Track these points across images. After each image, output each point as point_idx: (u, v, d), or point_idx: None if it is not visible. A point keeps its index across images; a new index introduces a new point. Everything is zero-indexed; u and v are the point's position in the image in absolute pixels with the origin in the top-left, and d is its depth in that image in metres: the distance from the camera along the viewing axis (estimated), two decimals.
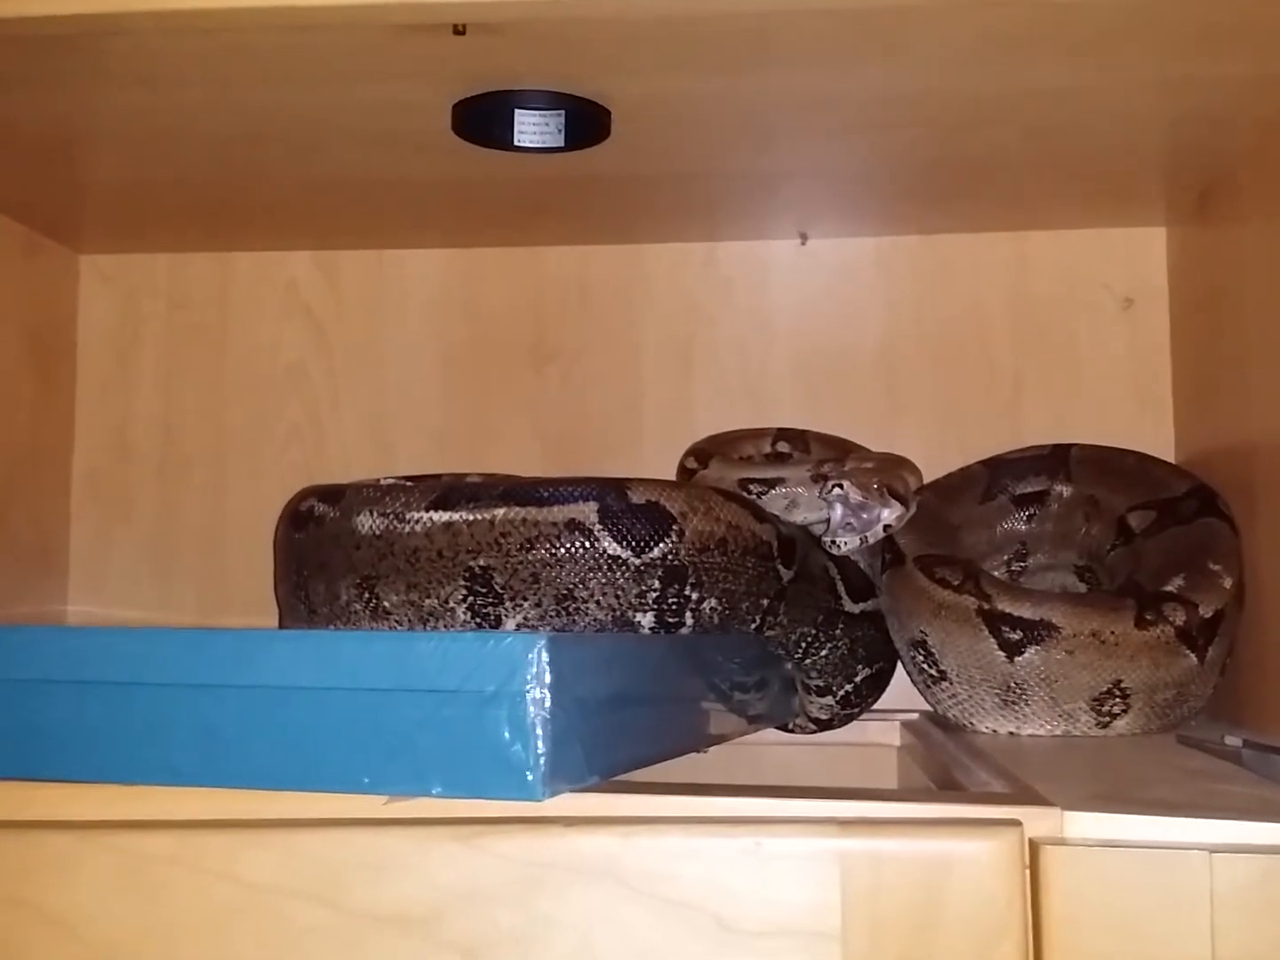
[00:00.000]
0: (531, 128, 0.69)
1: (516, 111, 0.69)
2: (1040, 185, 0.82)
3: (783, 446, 0.85)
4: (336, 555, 0.68)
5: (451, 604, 0.65)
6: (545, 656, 0.43)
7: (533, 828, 0.42)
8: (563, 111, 0.69)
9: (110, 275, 0.95)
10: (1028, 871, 0.41)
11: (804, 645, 0.72)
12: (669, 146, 0.73)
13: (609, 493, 0.65)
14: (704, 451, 0.82)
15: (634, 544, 0.65)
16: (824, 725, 0.78)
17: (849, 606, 0.76)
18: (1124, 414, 0.88)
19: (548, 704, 0.42)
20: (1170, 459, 0.85)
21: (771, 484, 0.76)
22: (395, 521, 0.66)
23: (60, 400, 0.93)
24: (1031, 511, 0.82)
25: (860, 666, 0.75)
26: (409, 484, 0.70)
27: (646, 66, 0.62)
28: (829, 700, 0.75)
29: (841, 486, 0.69)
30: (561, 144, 0.69)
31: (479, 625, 0.65)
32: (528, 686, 0.42)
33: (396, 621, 0.66)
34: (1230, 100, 0.66)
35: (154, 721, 0.45)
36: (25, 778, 0.46)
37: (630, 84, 0.65)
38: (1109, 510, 0.79)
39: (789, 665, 0.74)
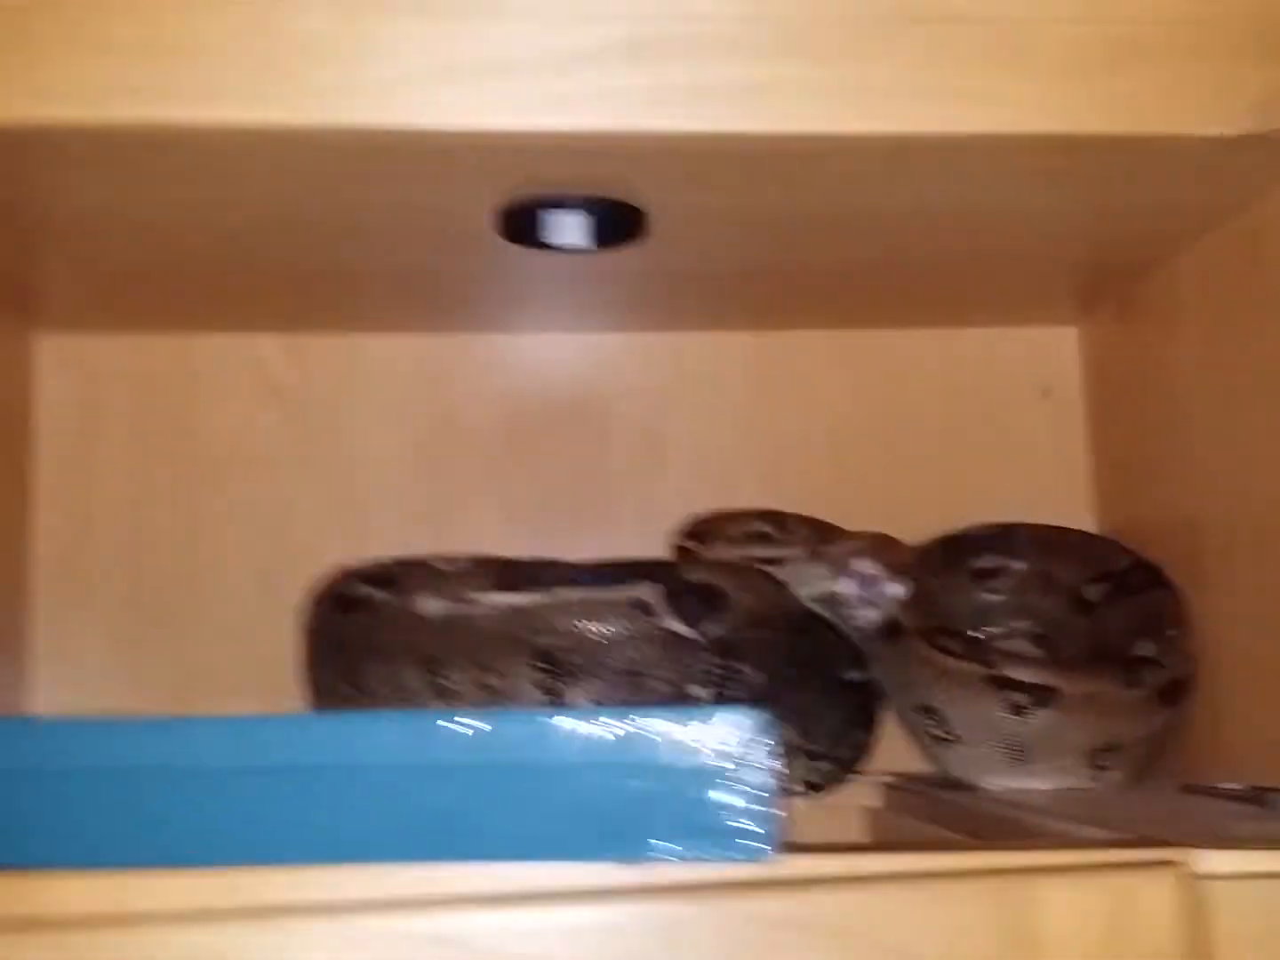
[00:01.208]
0: (567, 228, 0.73)
1: (549, 212, 0.73)
2: (967, 289, 0.91)
3: (762, 526, 0.90)
4: (395, 638, 0.70)
5: (520, 682, 0.68)
6: (765, 727, 0.46)
7: (767, 889, 0.46)
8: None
9: (69, 356, 0.93)
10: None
11: (813, 712, 0.78)
12: (692, 247, 0.78)
13: (668, 574, 0.70)
14: (700, 532, 0.86)
15: (693, 621, 0.69)
16: (815, 788, 0.83)
17: (847, 675, 0.82)
18: (1047, 494, 0.97)
19: (771, 769, 0.46)
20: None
21: (772, 563, 0.82)
22: (459, 603, 0.69)
23: (16, 482, 0.91)
24: (989, 585, 0.90)
25: (856, 731, 0.81)
26: (466, 565, 0.72)
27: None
28: (824, 764, 0.81)
29: (863, 564, 0.75)
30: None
31: (547, 701, 0.68)
32: (755, 754, 0.46)
33: (461, 700, 0.68)
34: (1134, 223, 0.76)
35: (384, 805, 0.47)
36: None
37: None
38: (1062, 583, 0.88)
39: (790, 731, 0.79)
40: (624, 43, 0.54)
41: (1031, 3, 0.55)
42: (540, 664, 0.67)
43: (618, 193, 0.69)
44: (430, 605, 0.69)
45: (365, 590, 0.71)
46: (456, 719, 0.46)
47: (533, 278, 0.82)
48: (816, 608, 0.80)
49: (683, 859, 0.46)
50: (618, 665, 0.68)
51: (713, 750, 0.46)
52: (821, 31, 0.54)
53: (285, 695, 0.90)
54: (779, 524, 0.91)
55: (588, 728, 0.47)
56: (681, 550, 0.86)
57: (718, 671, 0.69)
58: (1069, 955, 0.46)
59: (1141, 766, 0.77)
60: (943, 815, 0.76)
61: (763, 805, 0.46)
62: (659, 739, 0.46)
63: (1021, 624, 0.89)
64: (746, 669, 0.70)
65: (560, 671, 0.67)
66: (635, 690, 0.68)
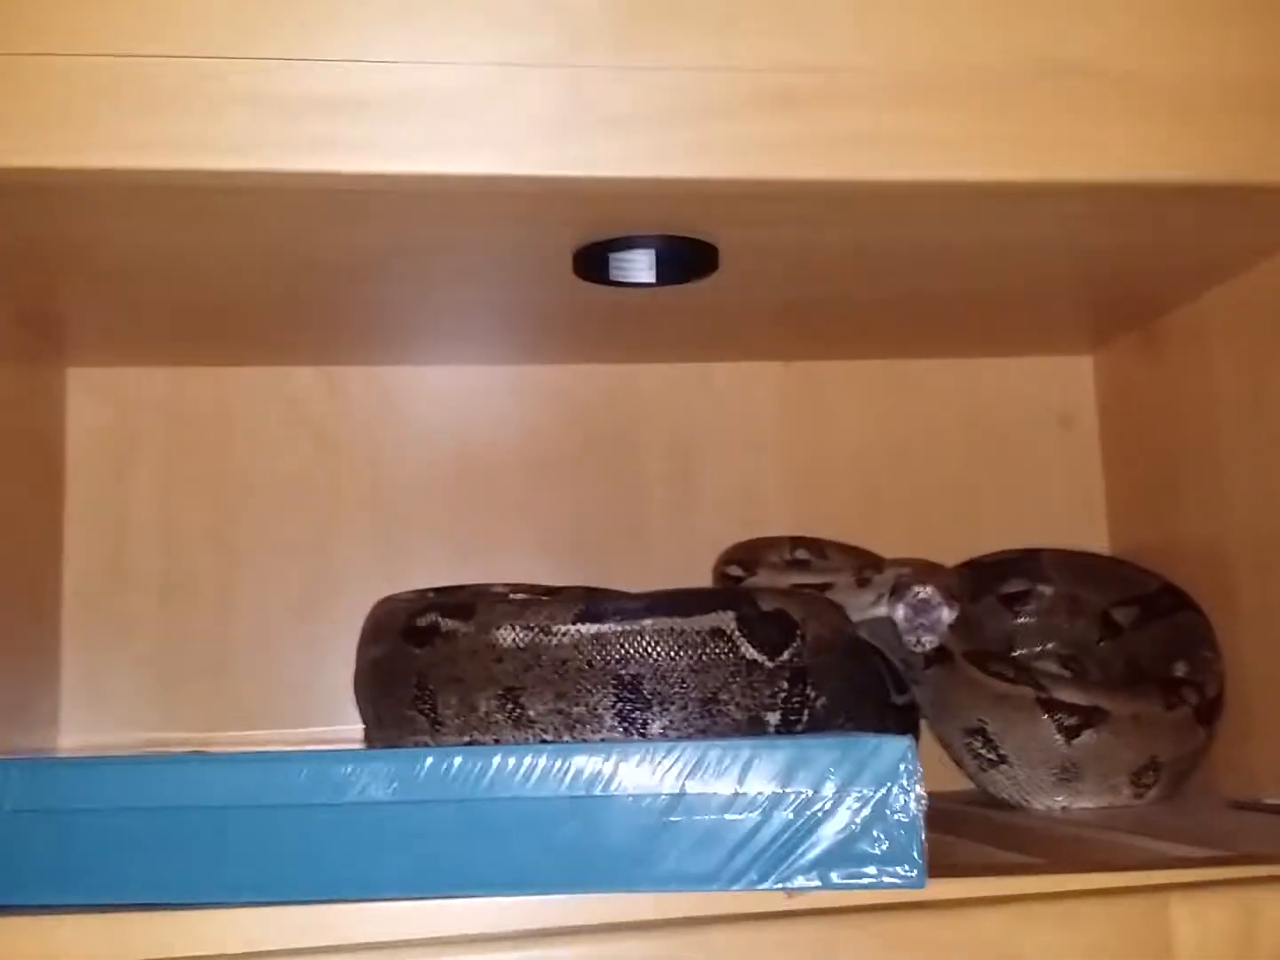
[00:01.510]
0: (638, 266, 0.75)
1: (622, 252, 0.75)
2: (988, 320, 0.93)
3: (801, 554, 0.92)
4: (473, 668, 0.70)
5: (600, 711, 0.69)
6: (912, 756, 0.48)
7: (921, 912, 0.47)
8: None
9: (101, 388, 0.92)
10: None
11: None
12: (748, 282, 0.80)
13: (743, 602, 0.71)
14: (746, 560, 0.88)
15: (768, 649, 0.70)
16: None
17: (895, 699, 0.84)
18: (1065, 520, 1.00)
19: (919, 795, 0.48)
20: None
21: (821, 589, 0.83)
22: (540, 635, 0.69)
23: (48, 516, 0.90)
24: (1018, 609, 0.92)
25: None
26: (542, 597, 0.73)
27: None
28: None
29: (919, 590, 0.77)
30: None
31: (626, 730, 0.69)
32: (907, 784, 0.48)
33: (542, 729, 0.69)
34: (1126, 262, 0.79)
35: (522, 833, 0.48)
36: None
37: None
38: (1090, 607, 0.91)
39: None
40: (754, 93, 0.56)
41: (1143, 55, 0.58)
42: (620, 693, 0.68)
43: (693, 231, 0.71)
44: (510, 636, 0.70)
45: (440, 621, 0.72)
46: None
47: (589, 312, 0.83)
48: (863, 633, 0.82)
49: (835, 885, 0.47)
50: (696, 693, 0.69)
51: (866, 777, 0.48)
52: (943, 84, 0.56)
53: (321, 726, 0.92)
54: (817, 551, 0.93)
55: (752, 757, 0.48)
56: (726, 577, 0.88)
57: (788, 697, 0.71)
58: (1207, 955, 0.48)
59: (1177, 784, 0.80)
60: (995, 834, 0.78)
61: (912, 830, 0.48)
62: (818, 767, 0.48)
63: (1050, 646, 0.92)
64: (814, 694, 0.71)
65: (640, 700, 0.68)
66: (712, 717, 0.69)
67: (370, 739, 0.78)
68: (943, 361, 1.01)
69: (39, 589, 0.89)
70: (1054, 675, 0.82)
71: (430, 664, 0.72)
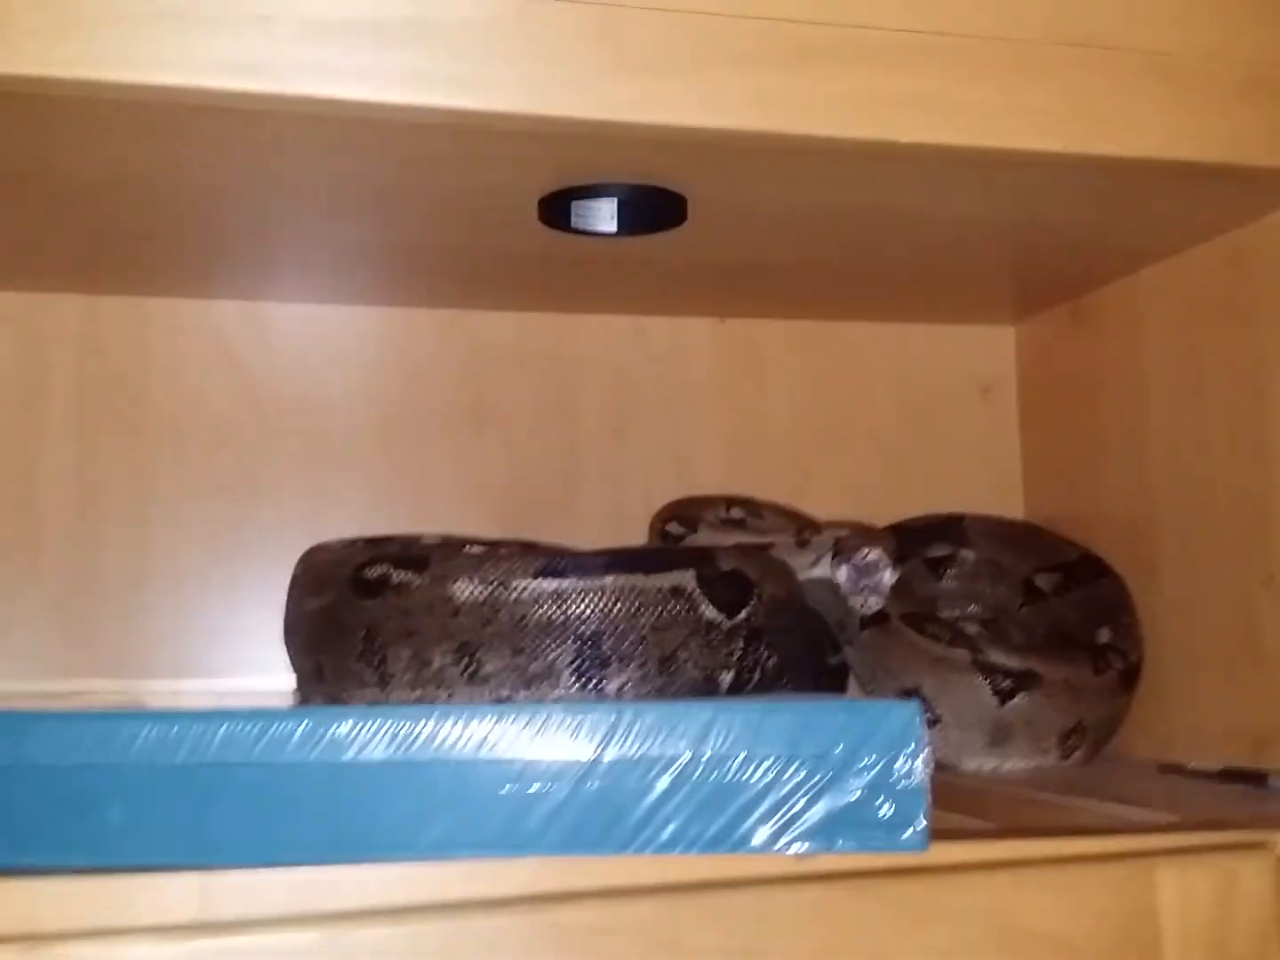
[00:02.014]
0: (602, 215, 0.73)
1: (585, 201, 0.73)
2: (918, 287, 0.94)
3: (736, 512, 0.92)
4: (428, 622, 0.68)
5: (558, 667, 0.68)
6: (920, 722, 0.49)
7: (923, 875, 0.48)
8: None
9: (9, 315, 0.87)
10: None
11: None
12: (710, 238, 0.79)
13: (703, 561, 0.71)
14: (684, 517, 0.88)
15: (726, 608, 0.70)
16: None
17: (830, 659, 0.85)
18: (983, 486, 1.02)
19: (927, 763, 0.48)
20: None
21: (762, 550, 0.83)
22: (500, 589, 0.68)
23: None
24: (941, 573, 0.94)
25: None
26: (503, 551, 0.71)
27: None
28: None
29: (865, 552, 0.78)
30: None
31: (582, 687, 0.68)
32: (914, 749, 0.48)
33: (497, 685, 0.68)
34: (1070, 237, 0.81)
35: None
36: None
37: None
38: (1013, 572, 0.93)
39: None
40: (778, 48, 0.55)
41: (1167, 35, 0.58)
42: (579, 650, 0.67)
43: (664, 181, 0.69)
44: (468, 589, 0.68)
45: (393, 572, 0.70)
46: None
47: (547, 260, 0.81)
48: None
49: (841, 849, 0.47)
50: (655, 651, 0.68)
51: (873, 742, 0.48)
52: (972, 50, 0.56)
53: (243, 675, 0.89)
54: (752, 510, 0.93)
55: (761, 719, 0.48)
56: (666, 535, 0.87)
57: (743, 657, 0.71)
58: (1184, 930, 0.49)
59: (1099, 747, 0.83)
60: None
61: (917, 795, 0.48)
62: (827, 733, 0.48)
63: (973, 610, 0.94)
64: (766, 655, 0.72)
65: (598, 657, 0.68)
66: (669, 675, 0.69)
67: (306, 692, 0.75)
68: (874, 325, 1.01)
69: None
70: (989, 638, 0.83)
71: (382, 616, 0.70)
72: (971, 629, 0.92)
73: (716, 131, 0.57)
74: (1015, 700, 0.79)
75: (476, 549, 0.75)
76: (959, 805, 0.73)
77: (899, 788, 0.48)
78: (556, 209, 0.72)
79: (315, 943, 0.43)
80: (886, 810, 0.48)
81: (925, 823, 0.48)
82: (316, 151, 0.62)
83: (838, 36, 0.56)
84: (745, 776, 0.47)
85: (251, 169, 0.66)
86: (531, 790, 0.47)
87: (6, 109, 0.57)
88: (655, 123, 0.55)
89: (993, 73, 0.58)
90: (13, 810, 0.45)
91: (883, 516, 0.94)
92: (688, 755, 0.47)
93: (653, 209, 0.72)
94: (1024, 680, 0.79)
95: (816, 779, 0.47)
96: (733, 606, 0.70)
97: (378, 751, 0.47)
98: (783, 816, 0.47)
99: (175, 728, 0.46)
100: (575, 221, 0.73)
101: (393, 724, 0.47)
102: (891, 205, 0.72)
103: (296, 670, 0.76)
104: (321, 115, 0.55)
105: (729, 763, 0.48)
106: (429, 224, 0.75)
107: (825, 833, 0.47)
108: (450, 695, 0.68)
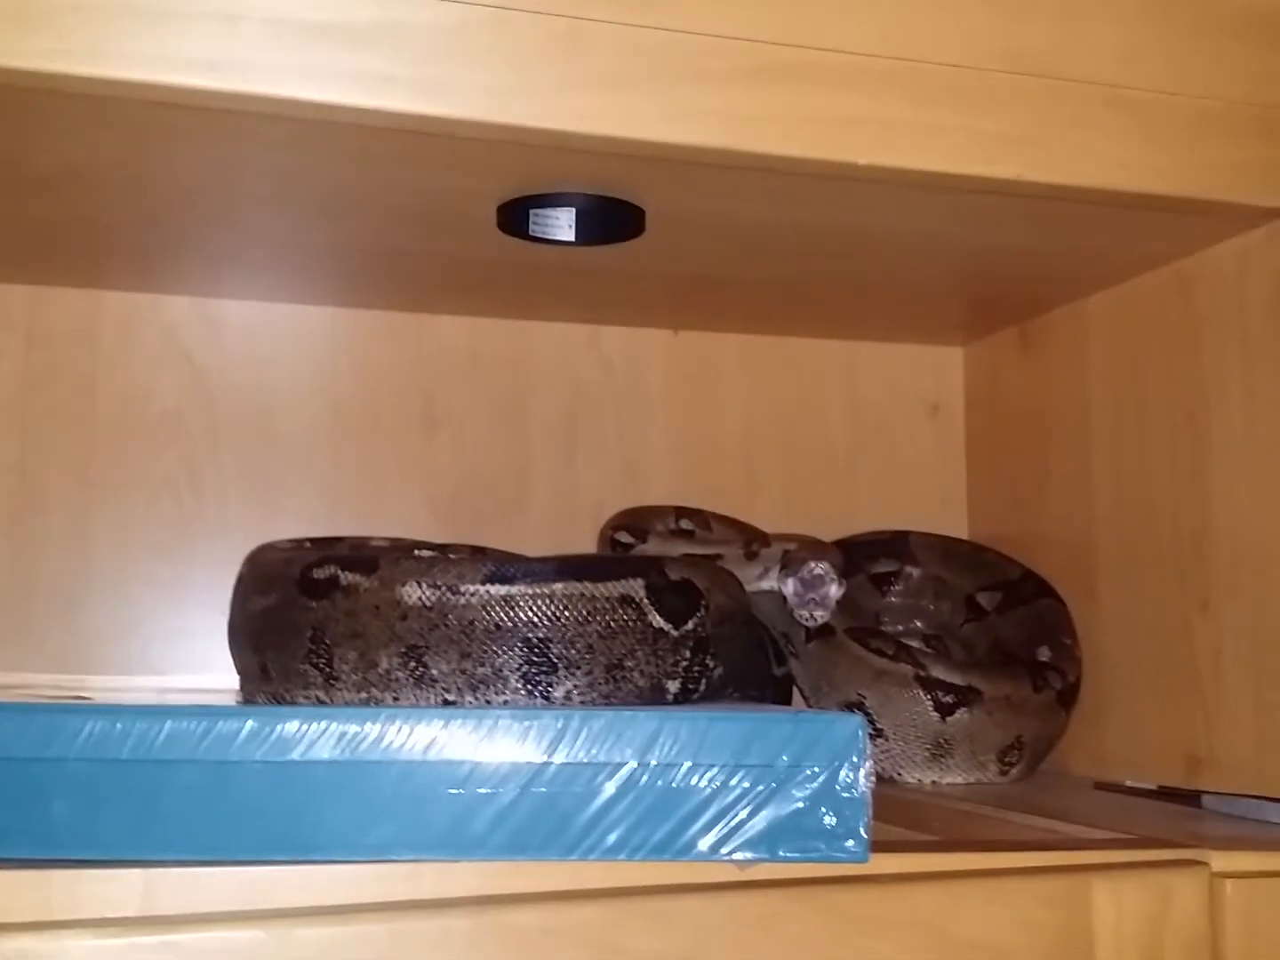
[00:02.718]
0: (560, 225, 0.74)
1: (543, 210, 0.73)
2: (869, 306, 0.96)
3: (685, 524, 0.93)
4: (375, 625, 0.68)
5: (505, 672, 0.68)
6: (863, 735, 0.49)
7: (864, 885, 0.48)
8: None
9: None
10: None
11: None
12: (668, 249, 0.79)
13: (653, 571, 0.71)
14: (634, 527, 0.88)
15: (674, 618, 0.71)
16: None
17: (775, 670, 0.86)
18: (929, 504, 1.03)
19: (869, 776, 0.49)
20: None
21: (710, 560, 0.84)
22: (448, 593, 0.68)
23: None
24: (886, 589, 0.95)
25: None
26: (454, 555, 0.71)
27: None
28: None
29: (812, 566, 0.79)
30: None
31: (529, 692, 0.68)
32: (857, 761, 0.49)
33: (444, 689, 0.68)
34: (1020, 262, 0.82)
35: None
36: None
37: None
38: (956, 590, 0.94)
39: None
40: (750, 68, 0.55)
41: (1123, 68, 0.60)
42: (527, 656, 0.68)
43: (622, 193, 0.70)
44: (416, 594, 0.68)
45: (341, 574, 0.70)
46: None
47: (501, 266, 0.81)
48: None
49: (783, 858, 0.48)
50: (602, 659, 0.69)
51: (817, 754, 0.48)
52: (931, 76, 0.57)
53: (182, 674, 0.88)
54: (700, 521, 0.94)
55: (707, 728, 0.48)
56: (616, 544, 0.88)
57: (690, 666, 0.71)
58: (1118, 944, 0.50)
59: (1036, 763, 0.84)
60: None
61: (859, 807, 0.49)
62: (773, 743, 0.48)
63: (916, 625, 0.95)
64: (712, 664, 0.72)
65: (546, 663, 0.68)
66: (615, 683, 0.69)
67: (250, 692, 0.75)
68: (826, 342, 1.02)
69: None
70: (931, 654, 0.84)
71: (328, 618, 0.69)
72: (915, 644, 0.93)
73: (677, 146, 0.57)
74: (956, 715, 0.80)
75: (425, 553, 0.75)
76: (900, 818, 0.75)
77: (842, 798, 0.48)
78: (515, 216, 0.72)
79: (258, 940, 0.42)
80: (829, 820, 0.48)
81: (866, 834, 0.48)
82: (276, 150, 0.62)
83: (800, 58, 0.57)
84: (691, 784, 0.48)
85: (210, 165, 0.66)
86: (478, 793, 0.47)
87: None
88: (617, 135, 0.56)
89: (951, 99, 0.59)
90: None
91: (831, 530, 0.94)
92: (634, 762, 0.47)
93: (611, 220, 0.73)
94: (965, 696, 0.80)
95: (761, 788, 0.48)
96: (681, 616, 0.71)
97: (324, 751, 0.47)
98: (727, 824, 0.48)
99: (120, 723, 0.46)
100: (533, 229, 0.73)
101: (339, 724, 0.47)
102: (847, 224, 0.73)
103: (240, 670, 0.76)
104: (284, 115, 0.55)
105: (675, 770, 0.48)
106: (387, 226, 0.76)
107: (768, 841, 0.48)
108: (397, 698, 0.68)
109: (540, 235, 0.73)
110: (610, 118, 0.55)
